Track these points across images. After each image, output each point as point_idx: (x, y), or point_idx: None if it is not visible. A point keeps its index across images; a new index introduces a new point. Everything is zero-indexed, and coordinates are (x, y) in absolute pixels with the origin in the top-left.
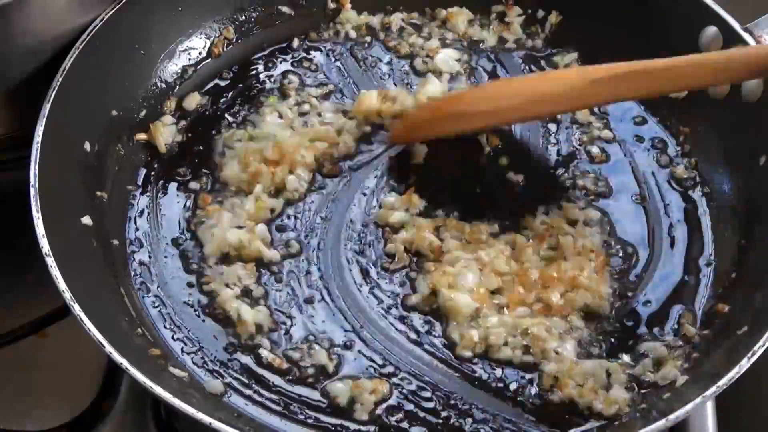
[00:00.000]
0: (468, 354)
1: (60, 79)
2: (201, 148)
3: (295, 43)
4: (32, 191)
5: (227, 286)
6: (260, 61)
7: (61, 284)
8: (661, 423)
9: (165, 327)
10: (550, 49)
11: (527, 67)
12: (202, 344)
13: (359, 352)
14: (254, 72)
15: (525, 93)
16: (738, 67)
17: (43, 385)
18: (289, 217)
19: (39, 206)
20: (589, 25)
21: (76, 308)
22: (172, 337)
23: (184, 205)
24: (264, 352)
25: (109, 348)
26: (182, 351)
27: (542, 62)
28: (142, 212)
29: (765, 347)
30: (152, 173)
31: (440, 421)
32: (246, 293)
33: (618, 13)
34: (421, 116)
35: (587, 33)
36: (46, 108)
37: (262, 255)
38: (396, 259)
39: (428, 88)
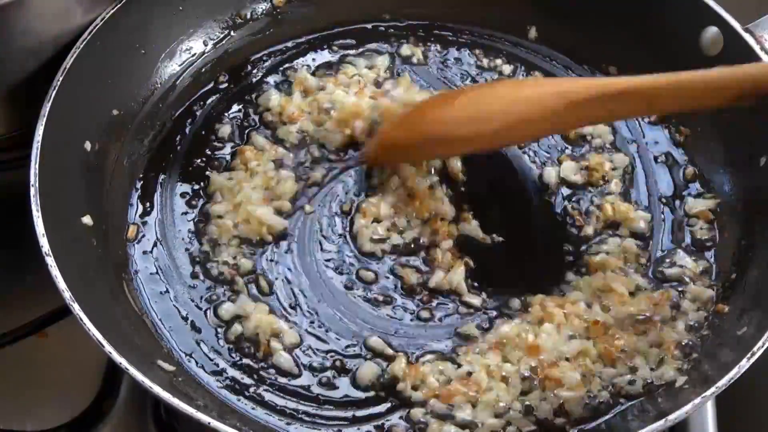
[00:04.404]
0: None
1: (60, 79)
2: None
3: (297, 42)
4: (32, 191)
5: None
6: (261, 61)
7: (61, 284)
8: (661, 423)
9: (165, 327)
10: (548, 49)
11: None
12: (202, 344)
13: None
14: (255, 71)
15: (501, 119)
16: (733, 88)
17: (43, 385)
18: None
19: (39, 206)
20: (590, 25)
21: (76, 308)
22: (172, 337)
23: (185, 204)
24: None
25: (109, 348)
26: (182, 350)
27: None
28: (142, 212)
29: (765, 347)
30: (153, 173)
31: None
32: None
33: (618, 14)
34: (394, 137)
35: (588, 33)
36: (46, 108)
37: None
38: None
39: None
